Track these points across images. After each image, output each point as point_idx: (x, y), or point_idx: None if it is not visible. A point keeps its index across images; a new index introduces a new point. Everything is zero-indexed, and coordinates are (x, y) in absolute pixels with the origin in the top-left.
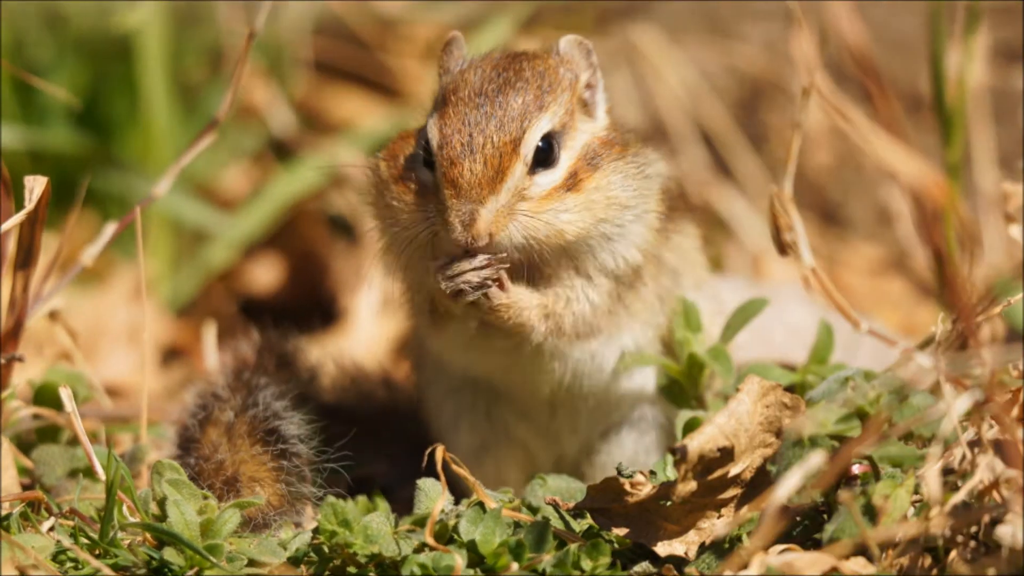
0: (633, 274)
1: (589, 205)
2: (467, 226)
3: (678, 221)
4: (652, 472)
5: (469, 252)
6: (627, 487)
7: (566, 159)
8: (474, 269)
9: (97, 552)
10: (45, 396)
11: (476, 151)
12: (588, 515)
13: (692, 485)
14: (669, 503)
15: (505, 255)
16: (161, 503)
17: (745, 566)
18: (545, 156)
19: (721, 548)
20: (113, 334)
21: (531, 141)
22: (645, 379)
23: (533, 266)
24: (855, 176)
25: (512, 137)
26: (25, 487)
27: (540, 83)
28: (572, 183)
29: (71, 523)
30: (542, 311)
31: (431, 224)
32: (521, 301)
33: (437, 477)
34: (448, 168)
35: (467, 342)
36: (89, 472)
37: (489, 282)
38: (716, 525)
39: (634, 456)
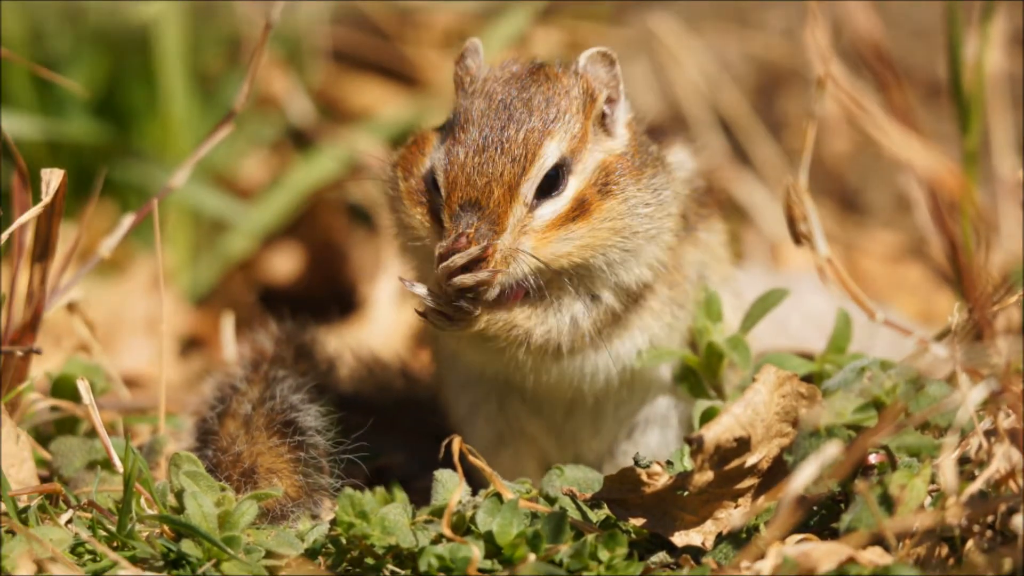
0: (646, 287)
1: (595, 233)
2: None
3: (706, 218)
4: (669, 462)
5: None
6: (644, 477)
7: (574, 184)
8: (471, 274)
9: (115, 544)
10: (63, 388)
11: (476, 200)
12: (605, 506)
13: (709, 475)
14: (686, 493)
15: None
16: (179, 495)
17: (762, 556)
18: (551, 184)
19: (738, 538)
20: (132, 324)
21: (534, 177)
22: (670, 377)
23: (538, 282)
24: (873, 163)
25: (514, 177)
26: (43, 479)
27: (547, 110)
28: (579, 211)
29: (89, 515)
30: (537, 321)
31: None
32: (514, 315)
33: (454, 468)
34: (451, 208)
35: (480, 343)
36: (107, 464)
37: (482, 287)
38: (733, 515)
39: (657, 452)
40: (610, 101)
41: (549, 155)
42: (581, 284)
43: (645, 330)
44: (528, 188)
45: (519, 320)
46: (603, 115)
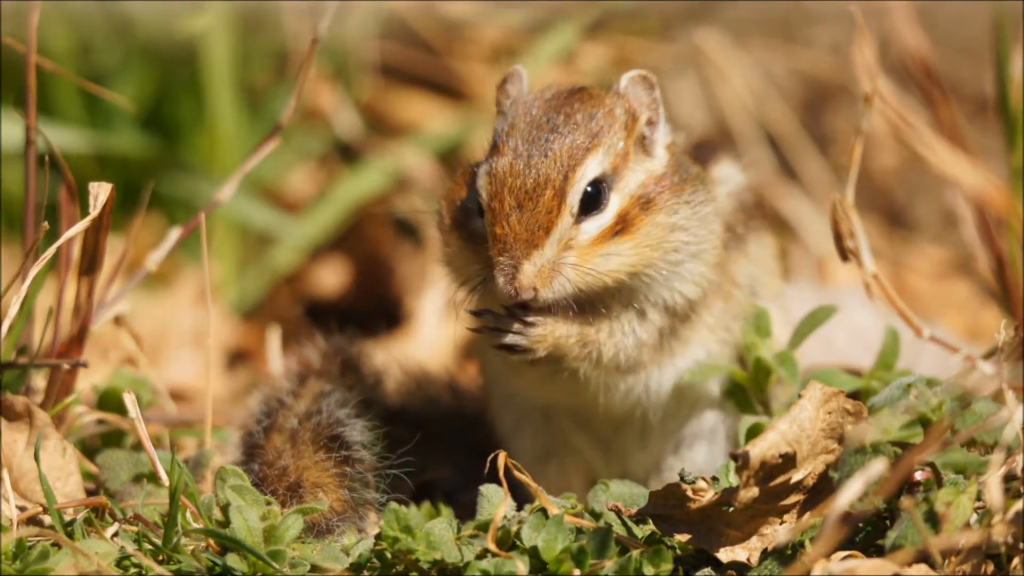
0: (692, 305)
1: (638, 249)
2: (511, 281)
3: (756, 230)
4: (714, 478)
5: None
6: (689, 493)
7: (616, 201)
8: (516, 333)
9: (161, 558)
10: (109, 401)
11: (521, 205)
12: (650, 521)
13: (754, 491)
14: (731, 509)
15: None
16: (224, 509)
17: (807, 572)
18: (593, 201)
19: (783, 554)
20: (178, 337)
21: (577, 191)
22: (718, 391)
23: (584, 301)
24: (920, 178)
25: (557, 189)
26: (89, 492)
27: (590, 127)
28: (622, 226)
29: (135, 529)
30: (580, 340)
31: (484, 274)
32: (557, 332)
33: (500, 483)
34: (493, 223)
35: (524, 369)
36: (153, 477)
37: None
38: (778, 531)
39: (704, 467)
40: (650, 123)
41: (592, 167)
42: (629, 302)
43: (703, 344)
44: (574, 197)
45: (590, 335)
46: (643, 136)
